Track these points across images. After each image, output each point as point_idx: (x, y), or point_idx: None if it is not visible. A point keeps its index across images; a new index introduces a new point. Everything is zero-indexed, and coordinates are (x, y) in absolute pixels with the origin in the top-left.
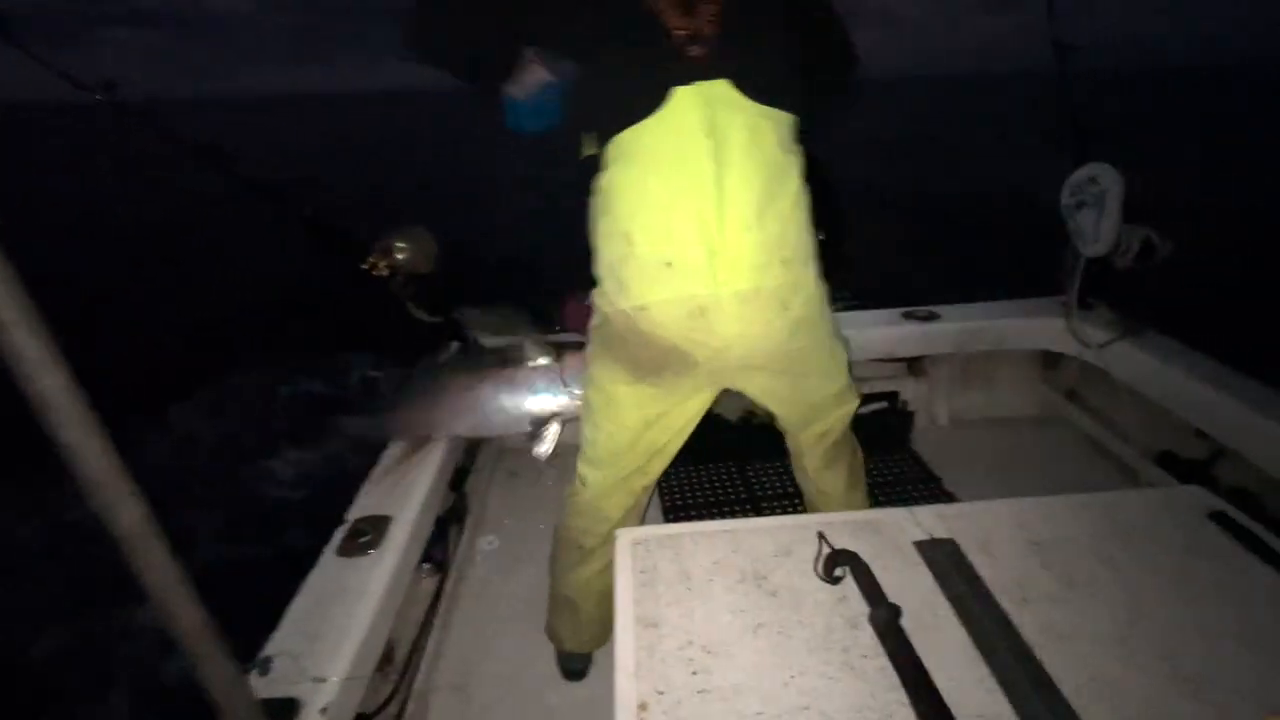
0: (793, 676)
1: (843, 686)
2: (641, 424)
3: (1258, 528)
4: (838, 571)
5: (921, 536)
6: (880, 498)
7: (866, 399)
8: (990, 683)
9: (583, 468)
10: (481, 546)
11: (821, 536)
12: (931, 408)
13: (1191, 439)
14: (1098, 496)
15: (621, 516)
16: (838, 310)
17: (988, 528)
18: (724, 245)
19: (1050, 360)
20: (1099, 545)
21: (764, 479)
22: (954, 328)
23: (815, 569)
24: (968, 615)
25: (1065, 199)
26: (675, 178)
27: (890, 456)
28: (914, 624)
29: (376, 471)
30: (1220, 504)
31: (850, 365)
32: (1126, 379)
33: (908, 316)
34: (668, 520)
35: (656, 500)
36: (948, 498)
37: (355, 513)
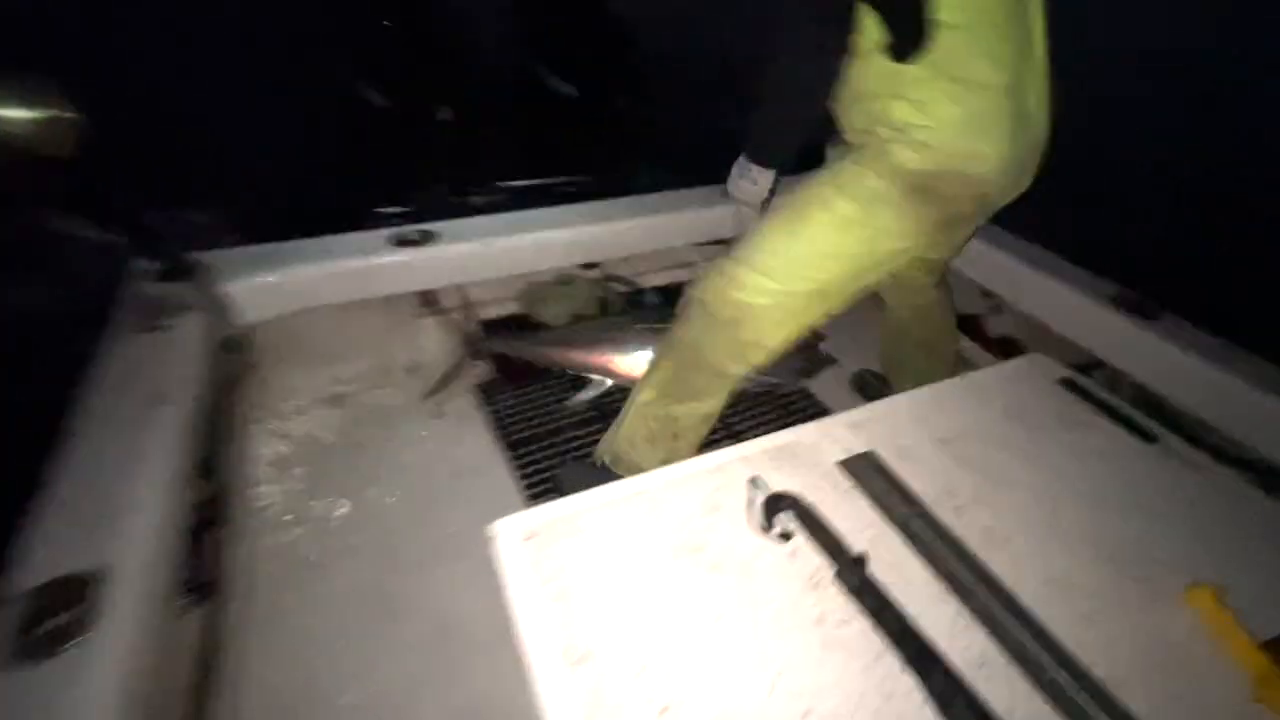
0: (778, 674)
1: (833, 671)
2: (871, 262)
3: (1095, 388)
4: (780, 522)
5: (841, 454)
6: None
7: None
8: (966, 617)
9: (755, 277)
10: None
11: (754, 483)
12: None
13: (976, 297)
14: (969, 378)
15: (765, 357)
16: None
17: (895, 429)
18: (1027, 102)
19: None
20: (992, 430)
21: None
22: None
23: (751, 522)
24: (920, 543)
25: None
26: (1015, 32)
27: None
28: (873, 567)
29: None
30: (1061, 370)
31: None
32: None
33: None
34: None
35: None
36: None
37: (30, 577)
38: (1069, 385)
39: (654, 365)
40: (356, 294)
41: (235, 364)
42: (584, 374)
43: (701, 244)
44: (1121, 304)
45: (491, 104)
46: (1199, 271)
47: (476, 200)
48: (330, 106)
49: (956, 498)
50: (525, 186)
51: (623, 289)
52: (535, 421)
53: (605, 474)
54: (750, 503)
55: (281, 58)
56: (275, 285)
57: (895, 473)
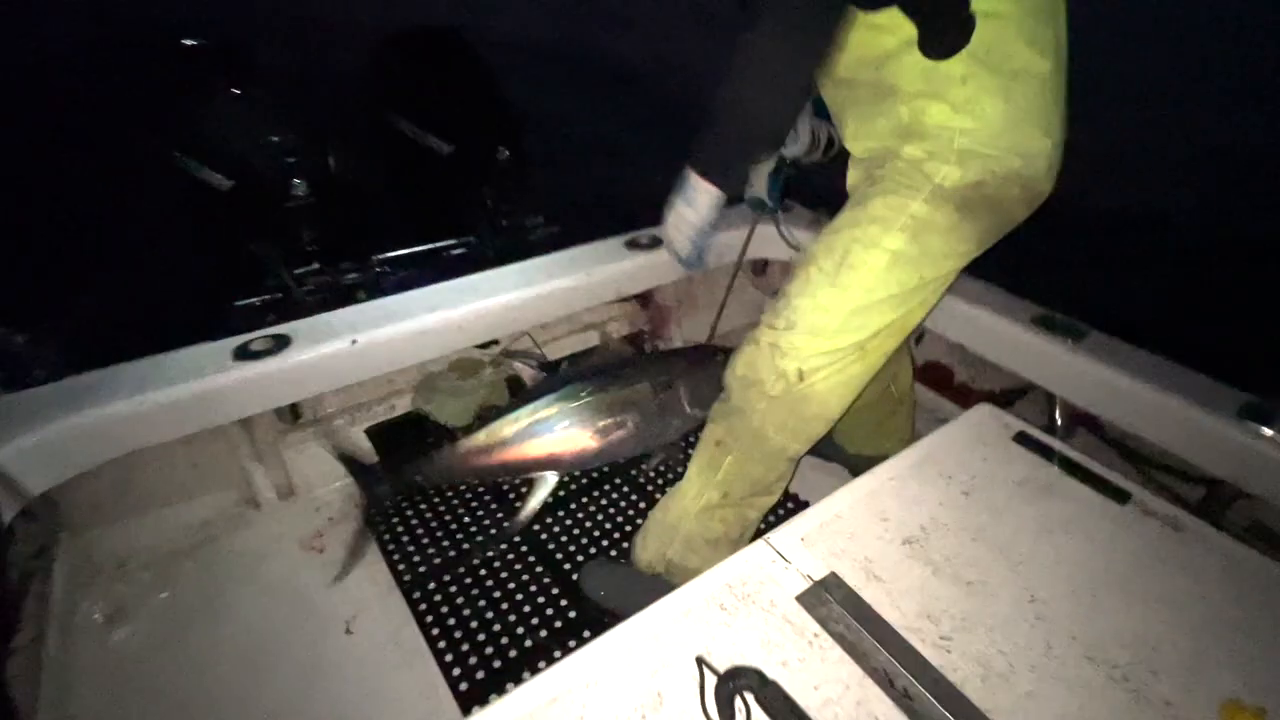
0: None
1: None
2: (931, 292)
3: (1048, 439)
4: (740, 709)
5: (798, 583)
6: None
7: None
8: None
9: (805, 339)
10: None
11: (701, 663)
12: (668, 342)
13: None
14: (920, 449)
15: (826, 427)
16: (534, 239)
17: (855, 535)
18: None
19: (758, 267)
20: (960, 519)
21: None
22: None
23: (705, 709)
24: (912, 702)
25: None
26: (1051, 12)
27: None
28: None
29: None
30: (1011, 422)
31: None
32: None
33: (632, 246)
34: (410, 595)
35: (388, 576)
36: None
37: None
38: (1023, 440)
39: (706, 464)
40: (198, 423)
41: (41, 538)
42: (522, 477)
43: (610, 302)
44: (1045, 325)
45: (358, 171)
46: (1119, 287)
47: (352, 278)
48: (167, 190)
49: (939, 624)
50: (407, 255)
51: (532, 364)
52: (445, 546)
53: (658, 583)
54: (700, 688)
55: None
56: (89, 430)
57: (865, 600)
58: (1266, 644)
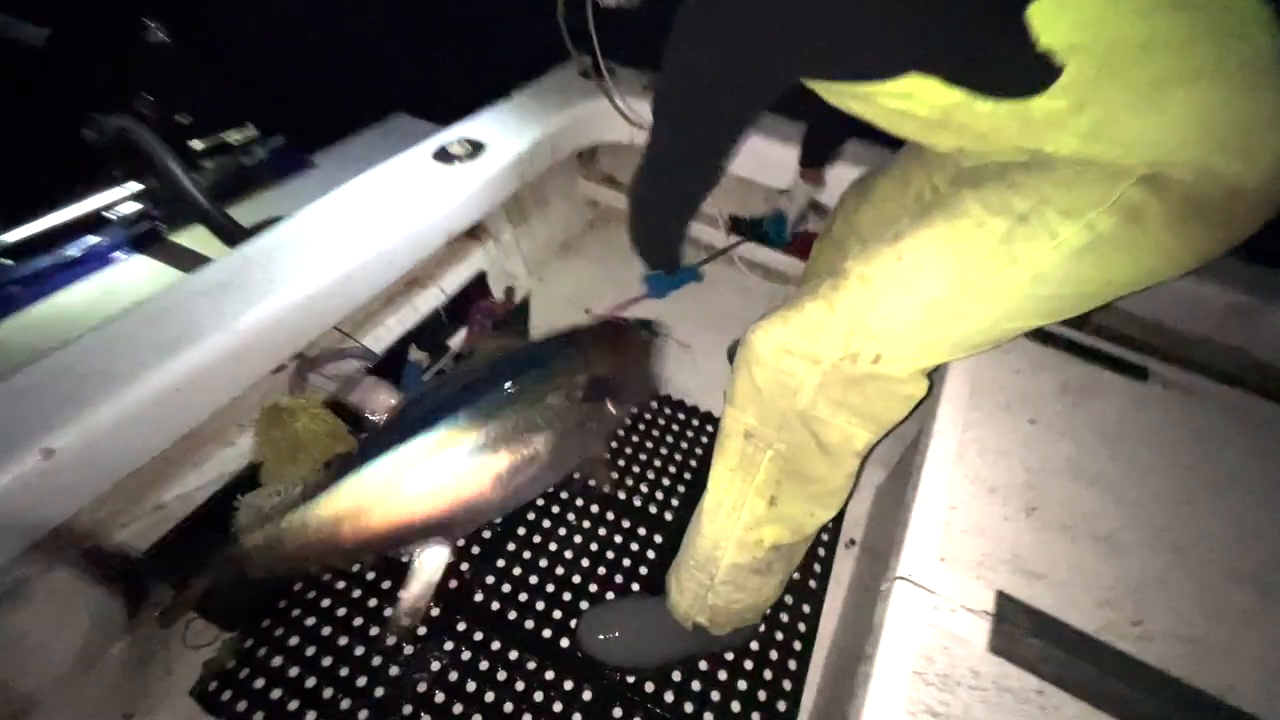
0: None
1: None
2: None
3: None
4: None
5: (973, 623)
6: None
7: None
8: None
9: (903, 349)
10: None
11: None
12: (509, 269)
13: (759, 198)
14: (956, 378)
15: (902, 410)
16: (250, 165)
17: (980, 527)
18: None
19: (585, 156)
20: (1046, 456)
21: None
22: (505, 159)
23: None
24: None
25: None
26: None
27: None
28: None
29: None
30: None
31: None
32: None
33: (442, 158)
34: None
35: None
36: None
37: None
38: (1034, 336)
39: (738, 464)
40: None
41: None
42: (396, 555)
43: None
44: None
45: None
46: None
47: None
48: None
49: (1122, 609)
50: (32, 239)
51: (357, 362)
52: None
53: (700, 636)
54: None
55: None
56: None
57: (1048, 615)
58: None
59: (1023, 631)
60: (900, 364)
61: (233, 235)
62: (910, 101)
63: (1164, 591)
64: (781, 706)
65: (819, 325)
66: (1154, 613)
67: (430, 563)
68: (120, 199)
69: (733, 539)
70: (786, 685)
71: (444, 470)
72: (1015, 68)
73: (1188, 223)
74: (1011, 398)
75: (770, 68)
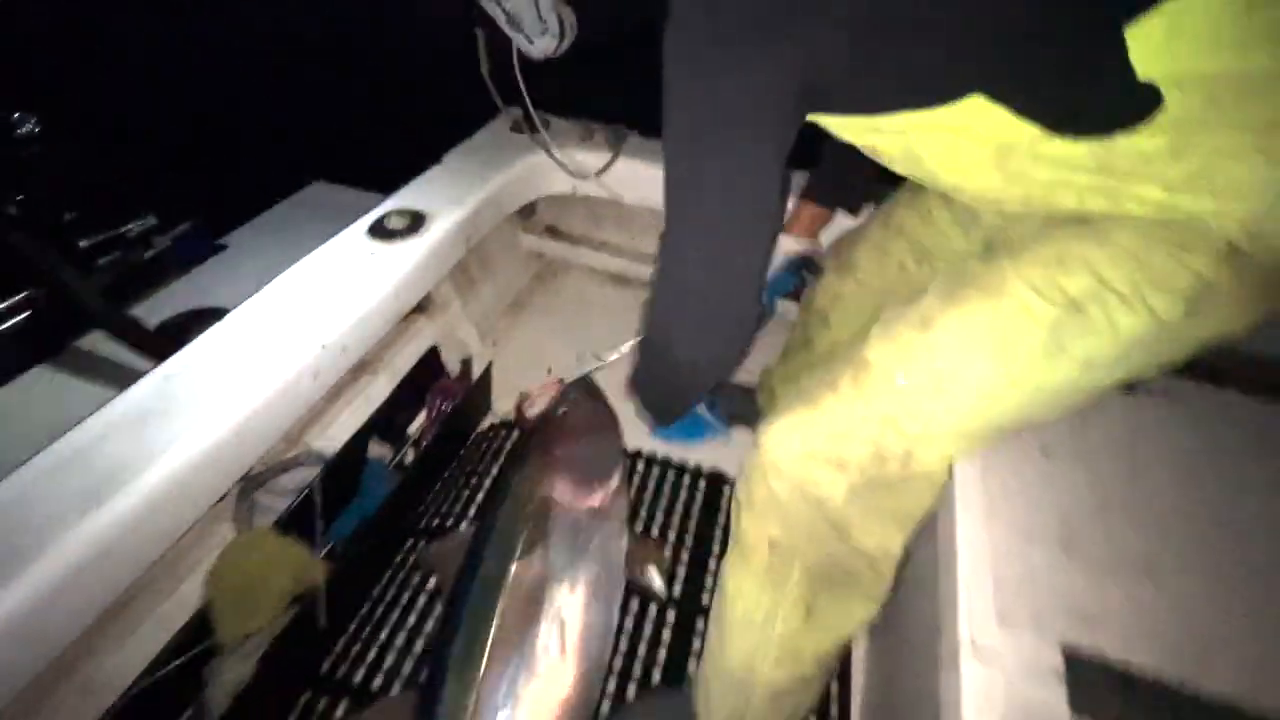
0: None
1: None
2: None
3: None
4: None
5: (1049, 688)
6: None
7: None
8: None
9: (937, 414)
10: None
11: None
12: (461, 340)
13: None
14: None
15: (932, 499)
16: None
17: (1031, 576)
18: None
19: (526, 211)
20: (1067, 488)
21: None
22: (449, 228)
23: None
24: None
25: None
26: None
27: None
28: None
29: None
30: None
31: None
32: (639, 197)
33: (379, 233)
34: None
35: None
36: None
37: None
38: None
39: (764, 578)
40: None
41: None
42: None
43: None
44: None
45: None
46: None
47: None
48: None
49: (1183, 648)
50: None
51: (309, 466)
52: None
53: None
54: None
55: None
56: None
57: (1119, 668)
58: None
59: (1100, 688)
60: (933, 460)
61: (137, 338)
62: (960, 137)
63: (1202, 614)
64: None
65: (843, 426)
66: (1216, 643)
67: None
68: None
69: (769, 656)
70: None
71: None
72: (1107, 97)
73: (1263, 298)
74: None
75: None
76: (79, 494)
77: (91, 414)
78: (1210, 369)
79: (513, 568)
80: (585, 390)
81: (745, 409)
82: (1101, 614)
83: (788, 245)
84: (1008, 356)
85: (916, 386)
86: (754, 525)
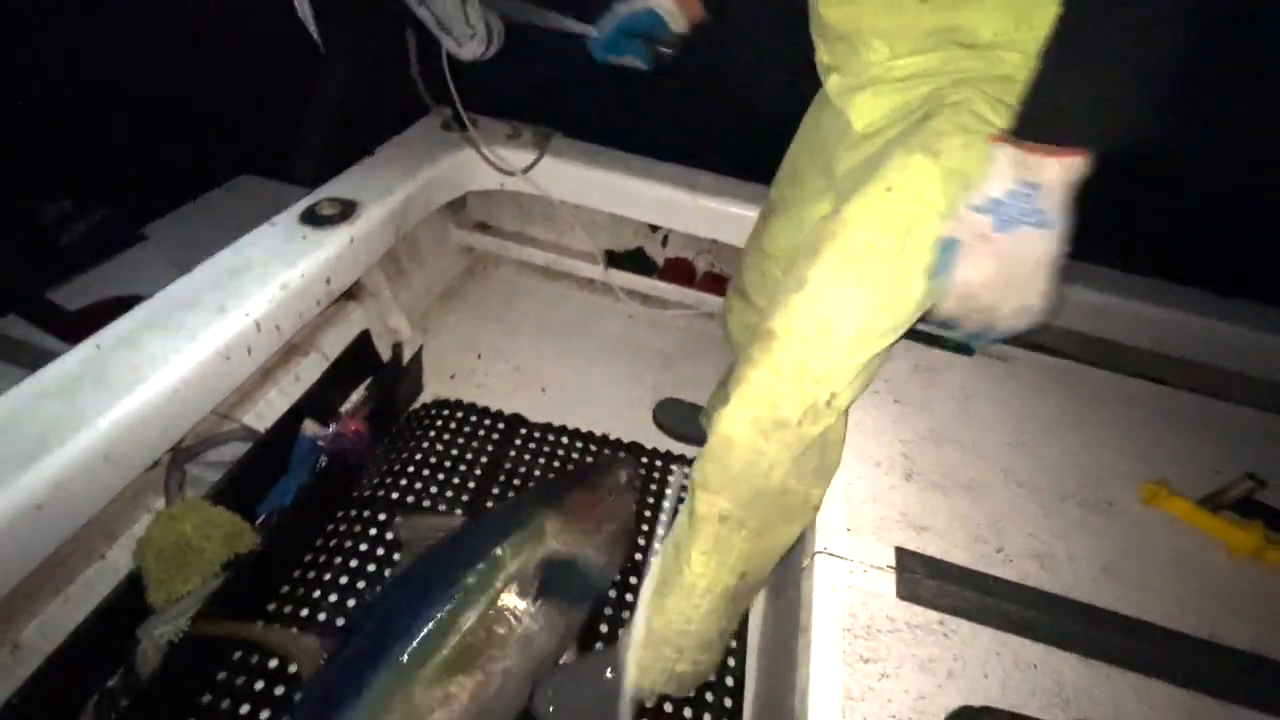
0: None
1: None
2: None
3: None
4: None
5: (882, 579)
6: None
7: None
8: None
9: (836, 349)
10: None
11: None
12: (393, 326)
13: (629, 231)
14: None
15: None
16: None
17: (874, 497)
18: None
19: (456, 205)
20: (912, 426)
21: None
22: (379, 216)
23: None
24: (1029, 629)
25: None
26: None
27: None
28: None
29: None
30: None
31: None
32: (565, 194)
33: (311, 220)
34: None
35: None
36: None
37: None
38: None
39: (712, 547)
40: None
41: None
42: None
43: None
44: None
45: None
46: None
47: None
48: None
49: (987, 541)
50: None
51: (239, 439)
52: None
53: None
54: None
55: None
56: None
57: (936, 558)
58: (1134, 435)
59: (920, 576)
60: (848, 396)
61: (54, 322)
62: None
63: (1016, 520)
64: (728, 703)
65: (771, 389)
66: (1011, 539)
67: None
68: None
69: (702, 613)
70: (729, 681)
71: None
72: None
73: None
74: (876, 383)
75: None
76: (10, 454)
77: (17, 384)
78: (1033, 342)
79: (497, 592)
80: (633, 473)
81: (692, 427)
82: (929, 523)
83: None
84: (870, 290)
85: (813, 337)
86: (707, 502)
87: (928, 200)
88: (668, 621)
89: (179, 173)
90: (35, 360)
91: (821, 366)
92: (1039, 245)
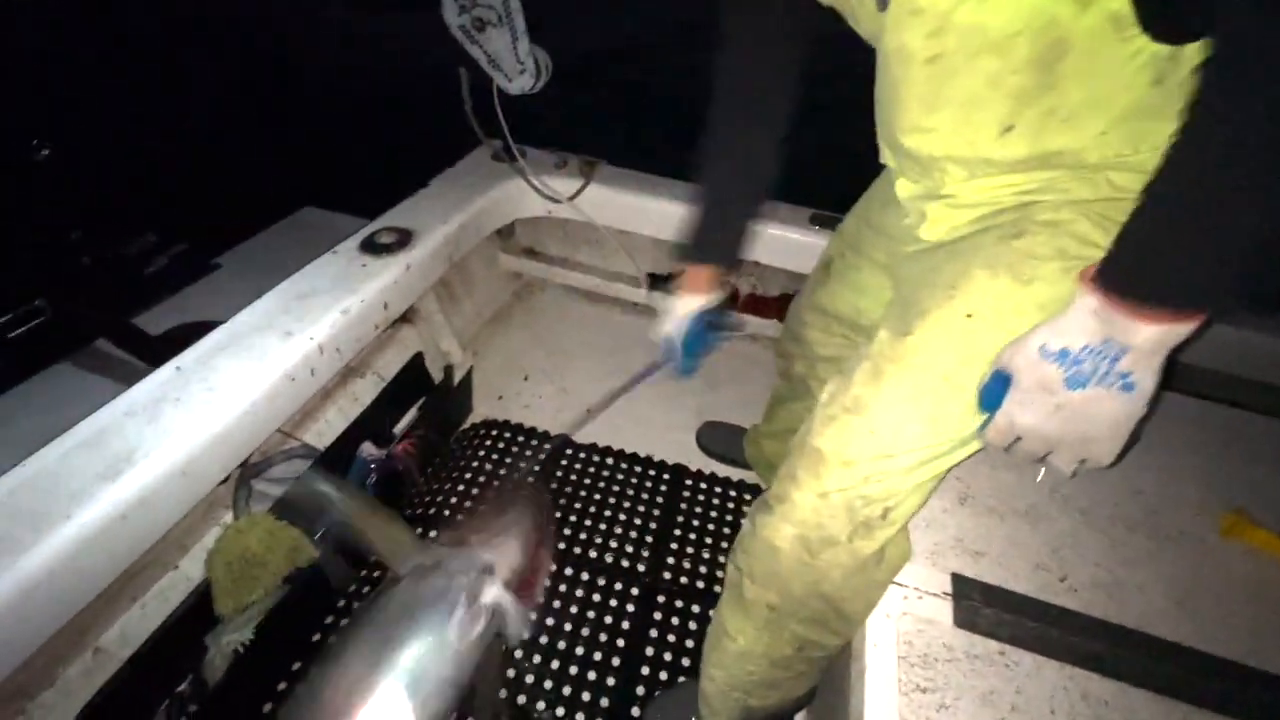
0: None
1: None
2: None
3: None
4: None
5: (938, 606)
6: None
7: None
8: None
9: (889, 466)
10: None
11: None
12: (444, 349)
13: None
14: None
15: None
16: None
17: (927, 521)
18: None
19: (505, 232)
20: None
21: None
22: (433, 244)
23: None
24: (1098, 662)
25: (454, 19)
26: None
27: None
28: None
29: None
30: None
31: None
32: (609, 219)
33: (370, 249)
34: None
35: None
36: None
37: None
38: None
39: (763, 627)
40: None
41: None
42: None
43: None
44: (821, 223)
45: None
46: None
47: None
48: None
49: (1049, 570)
50: None
51: (299, 458)
52: None
53: None
54: None
55: None
56: None
57: (995, 586)
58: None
59: (978, 603)
60: (909, 504)
61: (139, 345)
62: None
63: (1079, 548)
64: None
65: (816, 511)
66: (1075, 567)
67: None
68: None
69: (765, 666)
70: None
71: None
72: None
73: None
74: None
75: None
76: (100, 468)
77: (108, 402)
78: None
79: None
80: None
81: (736, 450)
82: (985, 549)
83: (692, 305)
84: (939, 422)
85: (866, 464)
86: (755, 591)
87: (1015, 334)
88: (730, 675)
89: (248, 207)
90: (125, 379)
91: (875, 489)
92: (1119, 408)
